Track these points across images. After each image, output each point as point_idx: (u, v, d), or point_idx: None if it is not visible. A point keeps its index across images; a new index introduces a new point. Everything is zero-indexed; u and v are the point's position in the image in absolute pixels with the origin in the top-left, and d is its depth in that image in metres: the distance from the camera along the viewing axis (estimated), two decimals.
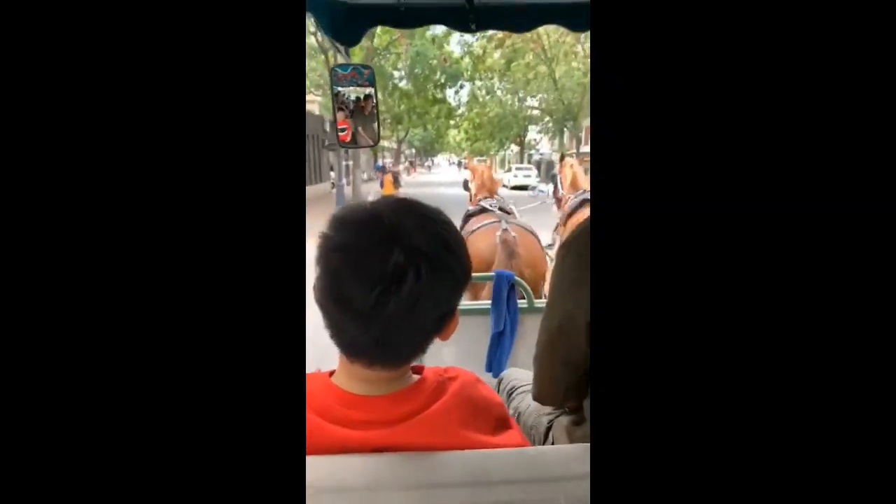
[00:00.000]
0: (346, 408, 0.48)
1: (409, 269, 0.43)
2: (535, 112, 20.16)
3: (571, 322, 0.60)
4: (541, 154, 23.78)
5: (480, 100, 20.44)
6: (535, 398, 0.72)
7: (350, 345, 0.47)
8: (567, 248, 0.63)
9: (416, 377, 0.53)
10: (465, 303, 1.83)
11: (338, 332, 0.47)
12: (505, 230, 2.45)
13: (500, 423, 0.55)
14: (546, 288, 2.48)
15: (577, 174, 3.42)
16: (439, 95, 17.68)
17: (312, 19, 1.18)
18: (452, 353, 1.74)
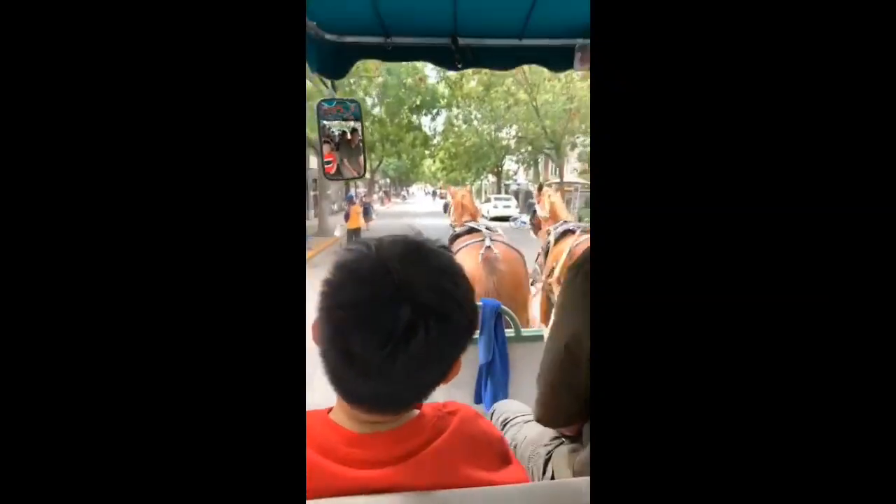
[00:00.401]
0: (348, 446, 0.49)
1: (419, 327, 0.43)
2: (513, 141, 20.26)
3: (578, 343, 0.62)
4: (518, 184, 24.06)
5: (457, 129, 20.58)
6: (538, 419, 0.73)
7: (351, 394, 0.48)
8: (576, 270, 0.66)
9: (415, 412, 0.53)
10: None
11: (338, 381, 0.47)
12: (488, 248, 2.55)
13: (502, 458, 0.55)
14: (529, 311, 2.57)
15: (555, 204, 3.60)
16: (414, 121, 17.69)
17: None
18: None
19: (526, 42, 1.34)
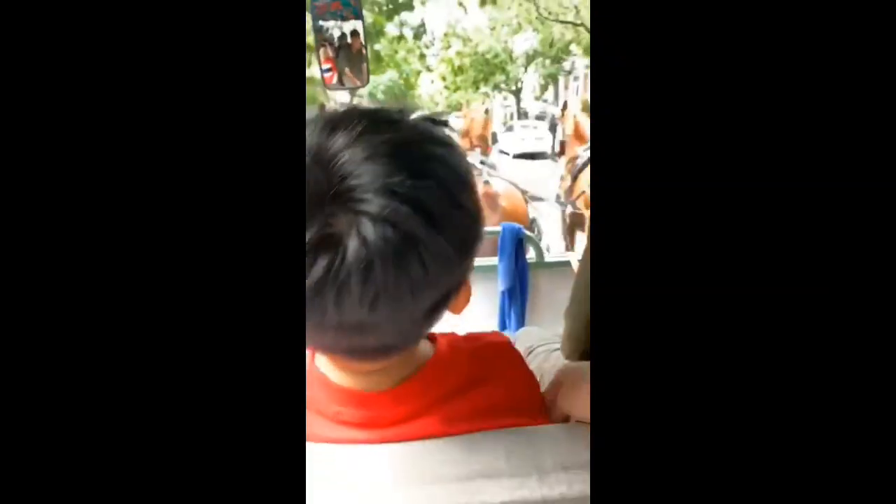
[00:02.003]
0: (341, 405, 0.44)
1: (373, 261, 0.35)
2: (528, 52, 19.13)
3: (582, 322, 0.67)
4: (543, 108, 22.02)
5: (461, 32, 18.48)
6: (565, 353, 0.75)
7: (324, 348, 0.44)
8: None
9: (427, 353, 0.48)
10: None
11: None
12: (486, 183, 2.61)
13: (541, 406, 0.51)
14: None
15: (580, 124, 3.57)
16: (394, 28, 16.66)
17: None
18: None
19: None
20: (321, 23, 1.28)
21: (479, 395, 0.46)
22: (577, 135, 3.57)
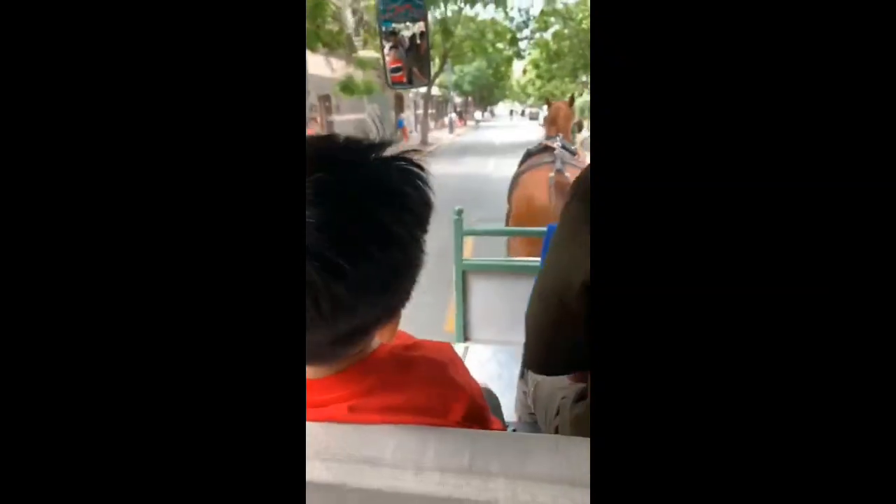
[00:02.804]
0: None
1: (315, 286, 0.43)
2: None
3: (565, 281, 0.61)
4: None
5: (560, 10, 16.56)
6: (528, 365, 0.75)
7: None
8: (569, 197, 0.64)
9: (363, 356, 0.55)
10: (511, 259, 2.08)
11: None
12: (559, 171, 2.60)
13: (472, 415, 0.57)
14: None
15: None
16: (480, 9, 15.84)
17: None
18: (499, 316, 1.97)
19: None
20: (393, 25, 1.43)
21: (390, 395, 0.53)
22: None
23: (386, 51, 1.46)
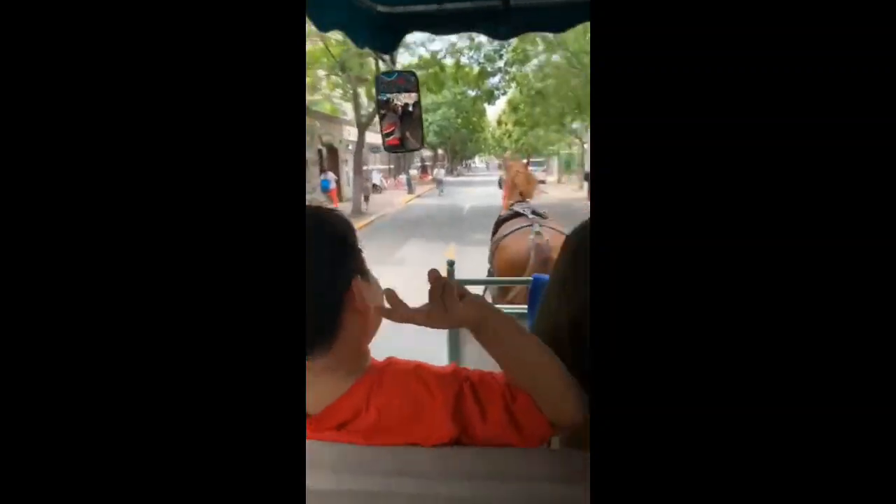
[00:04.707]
0: None
1: None
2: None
3: (557, 322, 0.84)
4: None
5: (535, 44, 15.08)
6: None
7: None
8: (563, 249, 0.88)
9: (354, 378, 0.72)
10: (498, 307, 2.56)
11: None
12: (537, 233, 3.21)
13: (452, 415, 0.70)
14: None
15: None
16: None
17: (342, 34, 1.73)
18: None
19: None
20: (386, 95, 1.84)
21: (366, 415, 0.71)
22: None
23: (381, 118, 1.87)
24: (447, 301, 0.71)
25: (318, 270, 0.64)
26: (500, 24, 1.81)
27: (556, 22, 1.82)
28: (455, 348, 2.28)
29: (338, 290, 0.69)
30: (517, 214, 3.77)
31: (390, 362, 0.76)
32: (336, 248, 0.70)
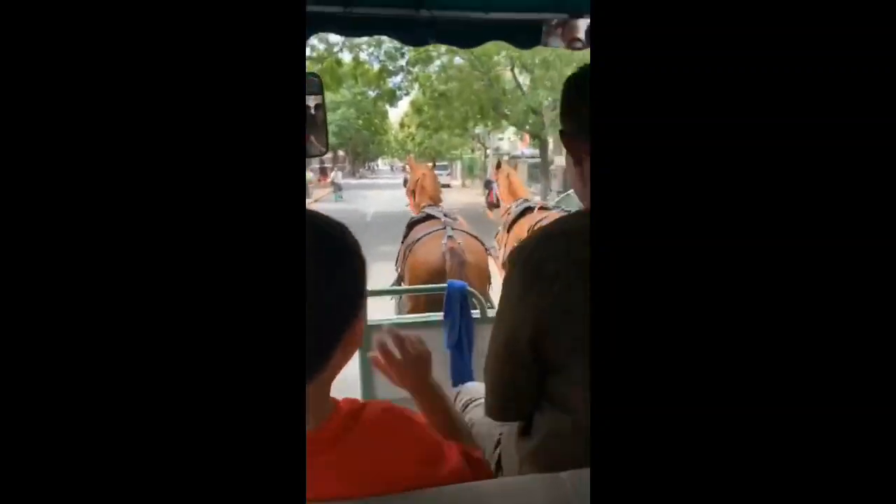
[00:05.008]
0: None
1: None
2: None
3: (515, 338, 0.87)
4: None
5: (434, 69, 16.18)
6: (487, 414, 1.00)
7: None
8: (512, 261, 0.89)
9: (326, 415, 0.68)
10: (411, 316, 2.53)
11: None
12: (451, 237, 3.31)
13: (429, 458, 0.71)
14: (491, 292, 3.27)
15: (513, 181, 5.00)
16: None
17: None
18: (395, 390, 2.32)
19: (493, 16, 1.83)
20: None
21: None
22: (511, 191, 4.87)
23: None
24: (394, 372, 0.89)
25: (323, 293, 0.60)
26: (410, 32, 1.84)
27: (467, 37, 1.88)
28: (368, 378, 2.28)
29: (340, 323, 0.66)
30: (429, 217, 3.90)
31: (366, 406, 0.72)
32: (349, 270, 0.66)
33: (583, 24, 1.86)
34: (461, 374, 2.09)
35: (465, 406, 1.34)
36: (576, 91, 0.92)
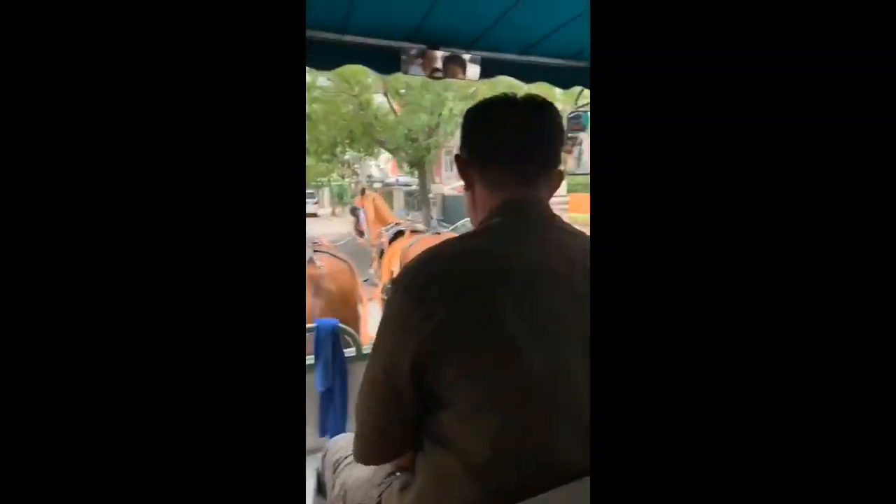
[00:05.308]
0: None
1: None
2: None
3: (395, 367, 0.80)
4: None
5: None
6: (358, 458, 0.91)
7: None
8: (395, 287, 0.84)
9: None
10: None
11: None
12: (310, 261, 3.06)
13: None
14: (366, 326, 3.20)
15: (380, 207, 5.11)
16: None
17: None
18: None
19: (348, 38, 1.82)
20: None
21: None
22: (379, 217, 4.99)
23: None
24: None
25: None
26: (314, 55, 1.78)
27: (324, 60, 1.84)
28: None
29: None
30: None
31: None
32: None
33: (440, 55, 1.89)
34: (333, 422, 1.96)
35: (336, 466, 1.21)
36: (472, 120, 0.98)
